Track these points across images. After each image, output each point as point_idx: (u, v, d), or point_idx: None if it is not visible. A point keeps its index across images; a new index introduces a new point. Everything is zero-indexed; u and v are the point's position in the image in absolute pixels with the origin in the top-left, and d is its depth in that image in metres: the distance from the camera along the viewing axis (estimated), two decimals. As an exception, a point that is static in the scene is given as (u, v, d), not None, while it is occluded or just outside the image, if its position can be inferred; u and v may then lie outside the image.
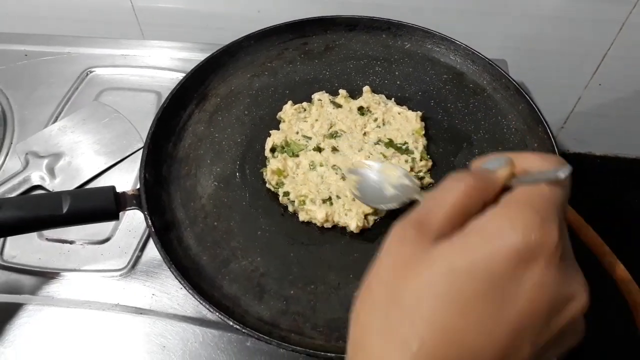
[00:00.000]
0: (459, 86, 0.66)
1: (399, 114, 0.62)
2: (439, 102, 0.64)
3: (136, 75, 0.76)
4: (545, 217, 0.26)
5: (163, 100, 0.62)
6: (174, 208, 0.56)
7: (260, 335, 0.46)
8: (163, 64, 0.78)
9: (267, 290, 0.50)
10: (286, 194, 0.55)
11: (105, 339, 0.53)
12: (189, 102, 0.64)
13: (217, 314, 0.47)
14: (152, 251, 0.59)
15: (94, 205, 0.50)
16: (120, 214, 0.52)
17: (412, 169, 0.57)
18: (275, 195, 0.57)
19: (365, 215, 0.54)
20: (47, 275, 0.57)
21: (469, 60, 0.66)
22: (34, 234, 0.60)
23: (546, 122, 0.58)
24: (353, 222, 0.53)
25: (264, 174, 0.58)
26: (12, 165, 0.66)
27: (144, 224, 0.59)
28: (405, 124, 0.61)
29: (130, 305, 0.55)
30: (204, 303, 0.47)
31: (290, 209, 0.56)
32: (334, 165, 0.57)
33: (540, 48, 0.82)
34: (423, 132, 0.60)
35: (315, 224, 0.54)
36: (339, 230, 0.54)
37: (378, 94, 0.64)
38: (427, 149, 0.60)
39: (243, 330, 0.46)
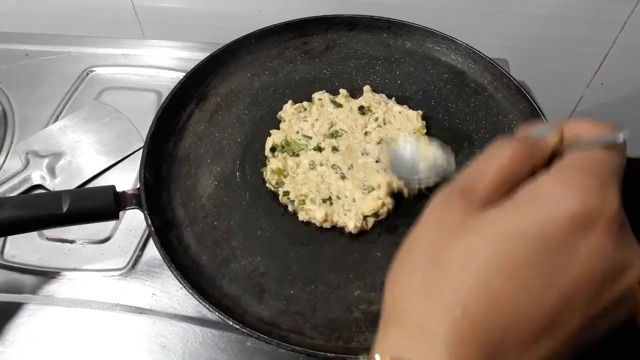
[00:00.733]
0: (460, 85, 0.65)
1: (399, 113, 0.61)
2: (440, 101, 0.64)
3: (136, 75, 0.76)
4: (604, 181, 0.24)
5: (163, 99, 0.61)
6: (174, 207, 0.56)
7: (260, 335, 0.46)
8: (163, 64, 0.77)
9: (267, 290, 0.50)
10: (286, 193, 0.55)
11: (106, 339, 0.53)
12: (189, 101, 0.63)
13: (217, 313, 0.47)
14: (153, 251, 0.59)
15: (94, 205, 0.50)
16: (120, 213, 0.52)
17: None
18: (275, 194, 0.56)
19: (364, 217, 0.53)
20: (47, 275, 0.57)
21: (470, 60, 0.66)
22: (35, 234, 0.60)
23: (547, 122, 0.58)
24: (351, 223, 0.53)
25: (264, 173, 0.58)
26: (12, 164, 0.66)
27: (144, 224, 0.59)
28: (406, 123, 0.61)
29: (130, 304, 0.55)
30: (203, 303, 0.47)
31: (290, 208, 0.56)
32: (334, 165, 0.57)
33: (542, 47, 0.82)
34: (424, 131, 0.60)
35: (314, 224, 0.54)
36: (338, 230, 0.54)
37: (379, 93, 0.64)
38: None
39: (243, 330, 0.46)
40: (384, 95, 0.64)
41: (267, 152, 0.59)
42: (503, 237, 0.24)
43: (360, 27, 0.70)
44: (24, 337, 0.53)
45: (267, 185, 0.57)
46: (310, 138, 0.60)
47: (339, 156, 0.58)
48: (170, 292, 0.56)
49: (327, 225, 0.54)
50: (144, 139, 0.59)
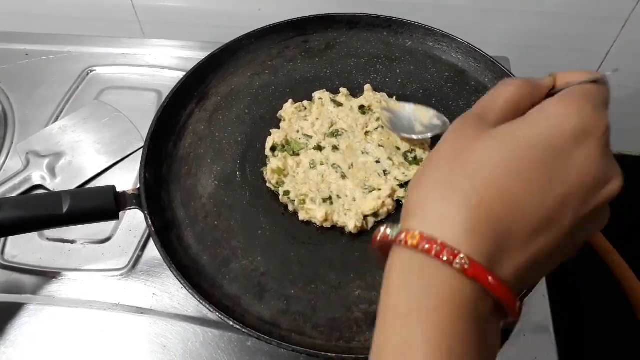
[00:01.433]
0: (461, 84, 0.65)
1: (401, 113, 0.61)
2: (441, 100, 0.64)
3: (137, 74, 0.76)
4: (596, 106, 0.29)
5: (163, 99, 0.61)
6: (174, 207, 0.56)
7: (261, 335, 0.45)
8: (163, 63, 0.77)
9: (267, 290, 0.50)
10: (286, 192, 0.55)
11: (106, 339, 0.53)
12: (190, 101, 0.63)
13: (217, 313, 0.46)
14: (153, 251, 0.59)
15: (94, 205, 0.50)
16: (121, 213, 0.52)
17: None
18: (276, 194, 0.56)
19: (365, 217, 0.53)
20: (48, 275, 0.57)
21: (471, 58, 0.66)
22: (35, 234, 0.60)
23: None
24: (351, 222, 0.53)
25: (265, 173, 0.58)
26: (12, 164, 0.66)
27: (145, 224, 0.59)
28: None
29: (131, 304, 0.55)
30: (204, 303, 0.47)
31: (291, 208, 0.55)
32: (335, 164, 0.57)
33: (543, 45, 0.81)
34: None
35: (315, 224, 0.54)
36: (338, 230, 0.54)
37: (379, 92, 0.64)
38: (430, 147, 0.59)
39: (243, 330, 0.46)
40: (384, 94, 0.63)
41: (267, 152, 0.59)
42: (515, 142, 0.28)
43: (360, 26, 0.70)
44: (25, 337, 0.53)
45: (268, 184, 0.57)
46: (311, 137, 0.60)
47: (339, 155, 0.58)
48: (171, 292, 0.56)
49: (327, 224, 0.54)
50: (144, 139, 0.58)
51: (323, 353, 0.45)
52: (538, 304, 0.55)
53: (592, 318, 0.79)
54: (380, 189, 0.54)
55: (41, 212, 0.49)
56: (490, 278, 0.26)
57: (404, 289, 0.28)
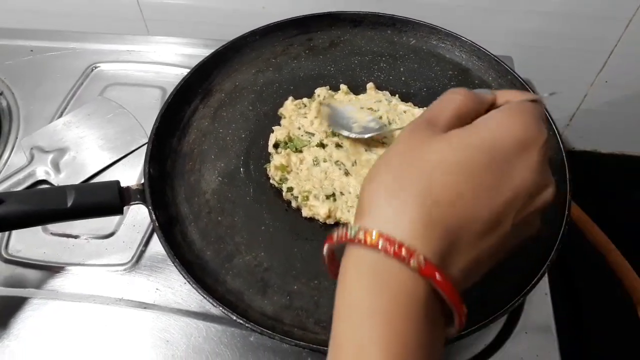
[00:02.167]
0: (465, 82, 0.65)
1: (404, 112, 0.61)
2: (444, 98, 0.64)
3: (141, 71, 0.76)
4: (537, 119, 0.32)
5: (167, 95, 0.61)
6: (178, 203, 0.56)
7: (264, 329, 0.46)
8: (168, 60, 0.78)
9: (270, 285, 0.50)
10: (290, 189, 0.55)
11: (110, 333, 0.53)
12: (194, 97, 0.64)
13: (221, 308, 0.47)
14: (156, 246, 0.59)
15: (99, 200, 0.50)
16: (125, 208, 0.52)
17: None
18: (279, 190, 0.56)
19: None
20: (51, 269, 0.58)
21: (475, 57, 0.66)
22: (39, 229, 0.60)
23: (551, 118, 0.58)
24: (354, 219, 0.53)
25: (268, 169, 0.58)
26: (17, 159, 0.67)
27: (148, 219, 0.59)
28: None
29: (134, 299, 0.55)
30: (207, 298, 0.47)
31: (294, 204, 0.56)
32: (338, 161, 0.57)
33: (547, 45, 0.81)
34: None
35: (318, 220, 0.54)
36: (341, 226, 0.54)
37: (382, 90, 0.64)
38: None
39: (246, 325, 0.46)
40: (387, 93, 0.63)
41: (271, 149, 0.59)
42: (466, 147, 0.30)
43: (364, 24, 0.70)
44: (29, 331, 0.54)
45: (271, 181, 0.57)
46: (313, 134, 0.60)
47: (342, 152, 0.58)
48: (174, 287, 0.56)
49: (330, 221, 0.54)
50: (148, 135, 0.59)
51: (325, 348, 0.45)
52: (540, 303, 0.55)
53: (594, 316, 0.79)
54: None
55: (46, 206, 0.49)
56: (441, 277, 0.27)
57: (360, 287, 0.28)
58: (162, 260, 0.58)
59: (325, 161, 0.57)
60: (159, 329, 0.53)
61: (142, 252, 0.59)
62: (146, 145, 0.57)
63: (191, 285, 0.48)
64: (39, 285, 0.57)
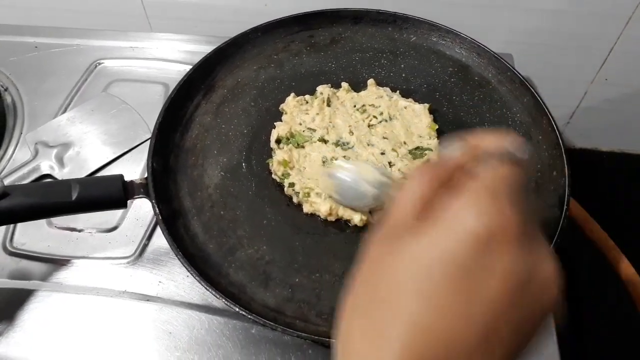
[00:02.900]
0: (465, 79, 0.66)
1: (405, 108, 0.62)
2: (444, 94, 0.64)
3: (144, 67, 0.77)
4: (502, 200, 0.26)
5: (170, 91, 0.62)
6: (181, 197, 0.56)
7: (266, 321, 0.46)
8: (170, 56, 0.78)
9: (272, 278, 0.51)
10: (291, 185, 0.56)
11: (113, 325, 0.54)
12: (196, 93, 0.64)
13: (224, 300, 0.47)
14: (159, 240, 0.60)
15: (103, 193, 0.51)
16: (128, 202, 0.53)
17: None
18: (281, 185, 0.57)
19: (370, 210, 0.54)
20: (56, 262, 0.58)
21: (475, 54, 0.67)
22: (43, 222, 0.61)
23: (550, 115, 0.59)
24: (357, 216, 0.53)
25: (270, 164, 0.58)
26: (22, 154, 0.67)
27: (151, 214, 0.60)
28: (414, 119, 0.61)
29: (137, 292, 0.56)
30: (211, 290, 0.48)
31: (295, 200, 0.56)
32: (343, 157, 0.57)
33: (546, 42, 0.82)
34: (436, 127, 0.60)
35: (319, 216, 0.55)
36: (343, 221, 0.55)
37: (383, 86, 0.64)
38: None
39: (249, 317, 0.47)
40: (388, 89, 0.64)
41: (273, 144, 0.60)
42: (423, 269, 0.26)
43: (365, 21, 0.71)
44: (33, 323, 0.54)
45: (273, 176, 0.58)
46: (314, 130, 0.60)
47: (346, 149, 0.58)
48: (177, 280, 0.57)
49: (331, 218, 0.54)
50: (151, 131, 0.59)
51: (327, 339, 0.46)
52: (539, 296, 0.56)
53: (593, 312, 0.79)
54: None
55: (51, 199, 0.50)
56: None
57: None
58: (165, 254, 0.58)
59: (331, 159, 0.57)
60: (161, 321, 0.54)
61: (145, 245, 0.59)
62: (149, 141, 0.58)
63: (194, 278, 0.48)
64: (43, 277, 0.57)
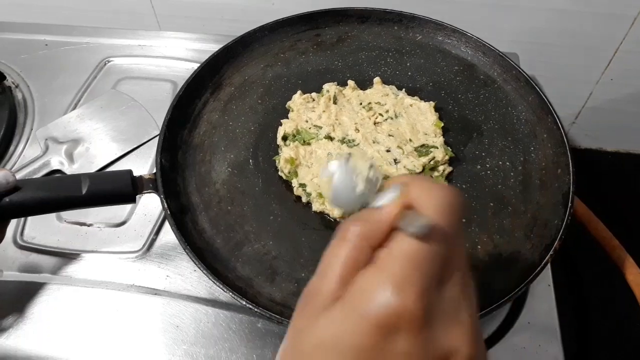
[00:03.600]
0: (470, 77, 0.66)
1: (410, 105, 0.62)
2: (450, 92, 0.65)
3: (153, 65, 0.78)
4: (402, 283, 0.25)
5: (178, 89, 0.63)
6: (189, 192, 0.57)
7: (272, 314, 0.47)
8: (179, 55, 0.79)
9: (279, 273, 0.52)
10: (302, 185, 0.56)
11: (121, 318, 0.55)
12: (204, 90, 0.65)
13: (231, 294, 0.48)
14: (167, 235, 0.61)
15: (112, 188, 0.52)
16: (137, 197, 0.53)
17: (435, 166, 0.57)
18: (288, 182, 0.58)
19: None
20: (65, 256, 0.59)
21: (480, 52, 0.67)
22: (53, 217, 0.62)
23: (555, 113, 0.59)
24: None
25: (277, 161, 0.59)
26: (32, 150, 0.68)
27: (159, 210, 0.61)
28: (420, 117, 0.61)
29: (145, 286, 0.57)
30: (218, 284, 0.48)
31: (304, 199, 0.56)
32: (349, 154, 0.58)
33: (552, 42, 0.82)
34: (441, 124, 0.60)
35: (328, 214, 0.55)
36: (349, 217, 0.55)
37: (389, 84, 0.65)
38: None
39: (255, 310, 0.47)
40: (394, 87, 0.65)
41: (279, 141, 0.60)
42: (328, 352, 0.25)
43: (371, 20, 0.71)
44: (43, 315, 0.55)
45: (279, 172, 0.58)
46: (321, 128, 0.61)
47: (352, 145, 0.59)
48: (184, 275, 0.58)
49: (342, 220, 0.55)
50: (160, 128, 0.60)
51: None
52: (543, 293, 0.56)
53: (597, 309, 0.79)
54: (390, 178, 0.55)
55: (61, 193, 0.50)
56: None
57: None
58: (173, 248, 0.59)
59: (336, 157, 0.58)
60: (169, 314, 0.55)
61: (153, 240, 0.60)
62: (158, 137, 0.58)
63: (202, 272, 0.49)
64: (53, 271, 0.58)
